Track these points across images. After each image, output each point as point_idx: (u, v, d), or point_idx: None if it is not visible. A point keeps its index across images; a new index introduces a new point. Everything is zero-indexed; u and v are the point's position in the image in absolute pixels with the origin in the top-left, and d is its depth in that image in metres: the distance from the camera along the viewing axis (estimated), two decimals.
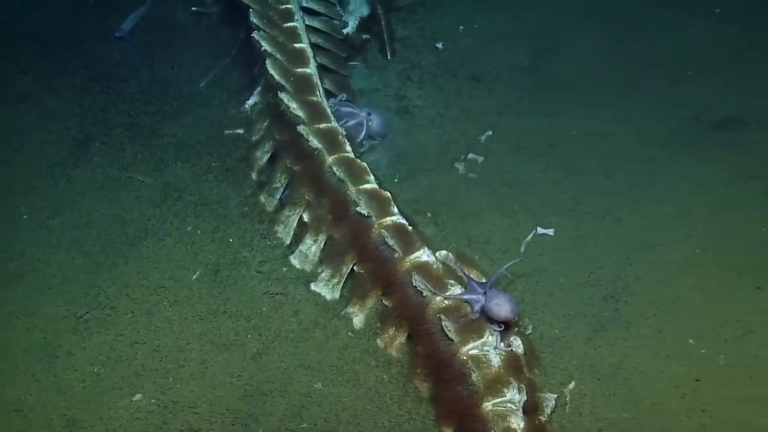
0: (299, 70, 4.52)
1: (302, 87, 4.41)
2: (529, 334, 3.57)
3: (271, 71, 4.40)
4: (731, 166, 4.39)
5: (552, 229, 4.11)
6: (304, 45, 4.72)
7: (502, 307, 3.16)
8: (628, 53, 5.37)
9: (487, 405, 3.00)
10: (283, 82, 4.36)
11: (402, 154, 4.66)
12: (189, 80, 5.05)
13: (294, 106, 4.20)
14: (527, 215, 4.21)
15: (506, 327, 3.26)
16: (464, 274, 3.37)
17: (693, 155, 4.50)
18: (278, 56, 4.55)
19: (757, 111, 4.73)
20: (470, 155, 4.61)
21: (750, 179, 4.30)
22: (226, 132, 4.69)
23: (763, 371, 3.34)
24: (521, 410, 3.00)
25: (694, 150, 4.53)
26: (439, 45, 5.52)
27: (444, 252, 3.61)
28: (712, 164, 4.42)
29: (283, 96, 4.24)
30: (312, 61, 4.64)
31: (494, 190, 4.38)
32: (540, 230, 4.11)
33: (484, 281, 3.34)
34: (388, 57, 5.44)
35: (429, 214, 4.23)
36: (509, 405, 3.01)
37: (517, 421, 2.95)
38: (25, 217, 4.12)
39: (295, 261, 3.95)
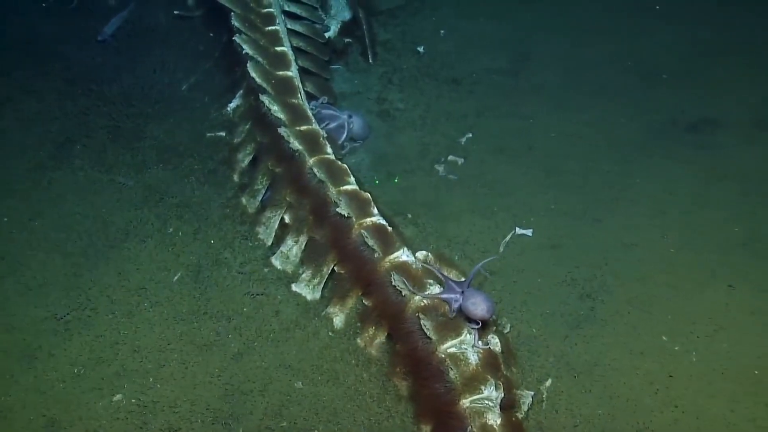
0: (280, 73, 4.55)
1: (283, 89, 4.44)
2: (507, 332, 3.62)
3: (253, 74, 4.43)
4: (705, 167, 4.49)
5: (530, 230, 4.17)
6: (285, 48, 4.75)
7: (478, 306, 3.20)
8: (605, 57, 5.46)
9: (465, 402, 3.04)
10: (264, 85, 4.40)
11: (383, 156, 4.70)
12: (171, 83, 5.07)
13: (275, 109, 4.23)
14: (506, 216, 4.27)
15: (484, 325, 3.30)
16: (441, 274, 3.42)
17: (668, 157, 4.59)
18: (259, 59, 4.59)
19: (730, 113, 4.84)
20: (450, 157, 4.66)
21: (723, 180, 4.40)
22: (208, 134, 4.72)
23: (733, 367, 3.42)
24: (498, 407, 3.04)
25: (668, 151, 4.62)
26: (420, 49, 5.58)
27: (424, 252, 3.65)
28: (686, 165, 4.51)
29: (265, 98, 4.28)
30: (293, 64, 4.67)
31: (474, 191, 4.44)
32: (519, 230, 4.17)
33: (462, 280, 3.39)
34: (370, 60, 5.49)
35: (409, 215, 4.28)
36: (486, 402, 3.05)
37: (494, 418, 2.99)
38: (5, 219, 4.11)
39: (276, 262, 3.98)
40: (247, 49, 4.61)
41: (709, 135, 4.72)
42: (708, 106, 4.93)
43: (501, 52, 5.53)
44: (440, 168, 4.60)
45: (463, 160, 4.64)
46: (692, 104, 4.96)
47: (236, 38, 4.68)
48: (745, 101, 4.96)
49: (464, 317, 3.28)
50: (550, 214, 4.27)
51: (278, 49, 4.74)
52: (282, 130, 4.09)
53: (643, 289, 3.82)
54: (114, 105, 4.84)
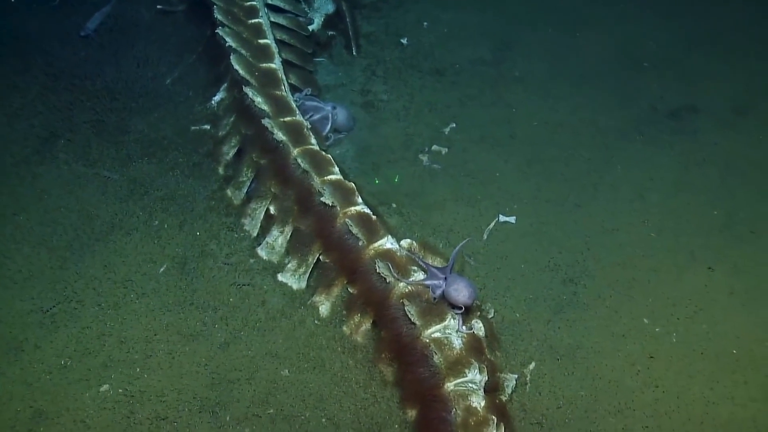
0: (264, 65, 4.57)
1: (267, 82, 4.46)
2: (491, 317, 3.66)
3: (236, 66, 4.44)
4: (685, 153, 4.57)
5: (514, 217, 4.21)
6: (268, 41, 4.77)
7: (460, 292, 3.25)
8: (586, 45, 5.51)
9: (449, 385, 3.09)
10: (248, 77, 4.41)
11: (367, 147, 4.72)
12: (155, 77, 5.06)
13: (259, 100, 4.25)
14: (490, 204, 4.31)
15: (467, 311, 3.35)
16: (423, 262, 3.46)
17: (648, 143, 4.66)
18: (243, 52, 4.60)
19: (710, 100, 4.92)
20: (434, 147, 4.69)
21: (702, 165, 4.47)
22: (193, 128, 4.72)
23: (713, 347, 3.49)
24: (482, 390, 3.09)
25: (649, 138, 4.69)
26: (404, 40, 5.60)
27: (408, 240, 3.68)
28: (666, 151, 4.58)
29: (248, 90, 4.29)
30: (277, 56, 4.69)
31: (457, 180, 4.47)
32: (502, 218, 4.21)
33: (445, 266, 3.43)
34: (354, 53, 5.50)
35: (394, 205, 4.30)
36: (470, 385, 3.09)
37: (478, 400, 3.04)
38: None
39: (262, 252, 4.00)
40: (230, 41, 4.62)
41: (688, 121, 4.79)
42: (688, 93, 5.00)
43: (483, 42, 5.56)
44: (424, 158, 4.63)
45: (446, 149, 4.68)
46: (672, 92, 5.03)
47: (219, 31, 4.69)
48: (724, 88, 5.04)
49: (447, 303, 3.32)
50: (532, 202, 4.32)
51: (261, 41, 4.76)
52: (266, 122, 4.11)
53: (624, 273, 3.88)
54: (98, 99, 4.83)
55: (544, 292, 3.81)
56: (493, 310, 3.70)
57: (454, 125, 4.86)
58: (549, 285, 3.85)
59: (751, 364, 3.42)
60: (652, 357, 3.47)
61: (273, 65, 4.59)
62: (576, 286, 3.83)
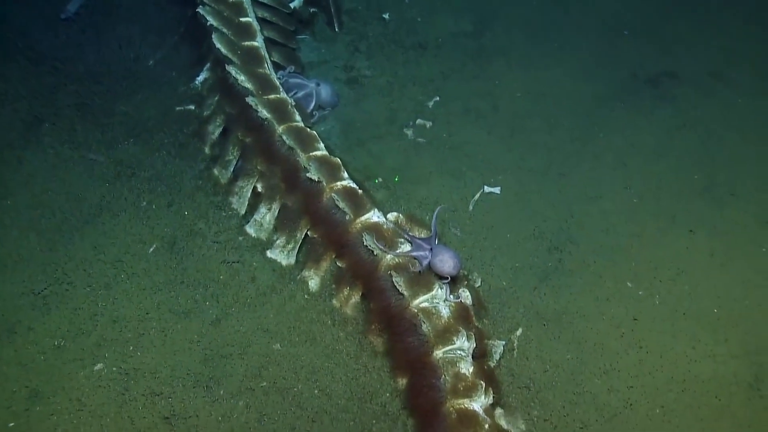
0: (246, 43, 4.56)
1: (250, 60, 4.46)
2: (478, 286, 3.73)
3: (218, 45, 4.43)
4: (665, 119, 4.62)
5: (498, 187, 4.26)
6: (250, 19, 4.75)
7: (445, 263, 3.30)
8: (566, 15, 5.53)
9: (438, 353, 3.15)
10: (230, 56, 4.41)
11: (352, 123, 4.74)
12: (138, 58, 5.04)
13: (242, 79, 4.25)
14: (475, 175, 4.36)
15: (454, 280, 3.40)
16: (408, 234, 3.50)
17: (629, 109, 4.71)
18: (224, 30, 4.59)
19: (688, 65, 4.97)
20: (418, 121, 4.72)
21: (682, 130, 4.54)
22: (177, 108, 4.71)
23: (694, 307, 3.58)
24: (470, 356, 3.16)
25: (630, 104, 4.75)
26: (386, 16, 5.59)
27: (395, 214, 3.72)
28: (646, 117, 4.64)
29: (231, 69, 4.29)
30: (259, 34, 4.68)
31: (442, 153, 4.51)
32: (487, 189, 4.26)
33: (429, 237, 3.48)
34: (336, 29, 5.49)
35: (380, 179, 4.34)
36: (459, 352, 3.16)
37: (467, 367, 3.11)
38: None
39: (250, 230, 4.04)
40: (211, 20, 4.60)
41: (668, 87, 4.84)
42: (667, 59, 5.05)
43: (465, 15, 5.57)
44: (409, 132, 4.66)
45: (431, 123, 4.71)
46: (652, 59, 5.07)
47: (200, 10, 4.67)
48: (702, 54, 5.09)
49: (434, 273, 3.38)
50: (516, 172, 4.37)
51: (243, 19, 4.73)
52: (250, 100, 4.12)
53: (607, 238, 3.94)
54: (81, 83, 4.81)
55: (530, 259, 3.88)
56: (480, 279, 3.76)
57: (438, 99, 4.88)
58: (534, 253, 3.91)
59: (731, 322, 3.51)
60: (635, 319, 3.55)
61: (255, 43, 4.58)
62: (561, 253, 3.89)
